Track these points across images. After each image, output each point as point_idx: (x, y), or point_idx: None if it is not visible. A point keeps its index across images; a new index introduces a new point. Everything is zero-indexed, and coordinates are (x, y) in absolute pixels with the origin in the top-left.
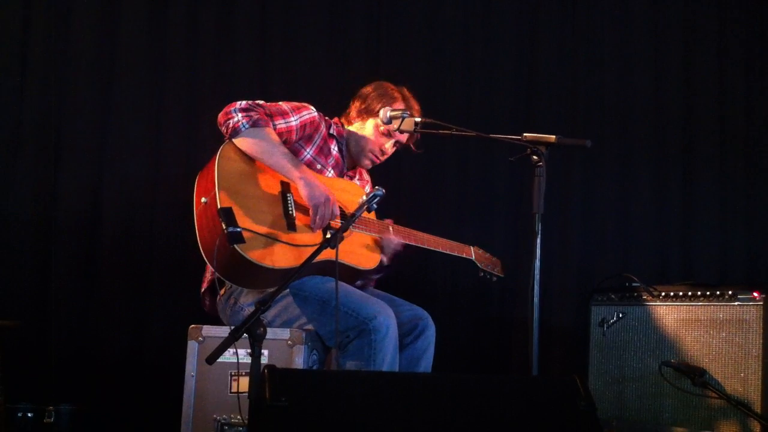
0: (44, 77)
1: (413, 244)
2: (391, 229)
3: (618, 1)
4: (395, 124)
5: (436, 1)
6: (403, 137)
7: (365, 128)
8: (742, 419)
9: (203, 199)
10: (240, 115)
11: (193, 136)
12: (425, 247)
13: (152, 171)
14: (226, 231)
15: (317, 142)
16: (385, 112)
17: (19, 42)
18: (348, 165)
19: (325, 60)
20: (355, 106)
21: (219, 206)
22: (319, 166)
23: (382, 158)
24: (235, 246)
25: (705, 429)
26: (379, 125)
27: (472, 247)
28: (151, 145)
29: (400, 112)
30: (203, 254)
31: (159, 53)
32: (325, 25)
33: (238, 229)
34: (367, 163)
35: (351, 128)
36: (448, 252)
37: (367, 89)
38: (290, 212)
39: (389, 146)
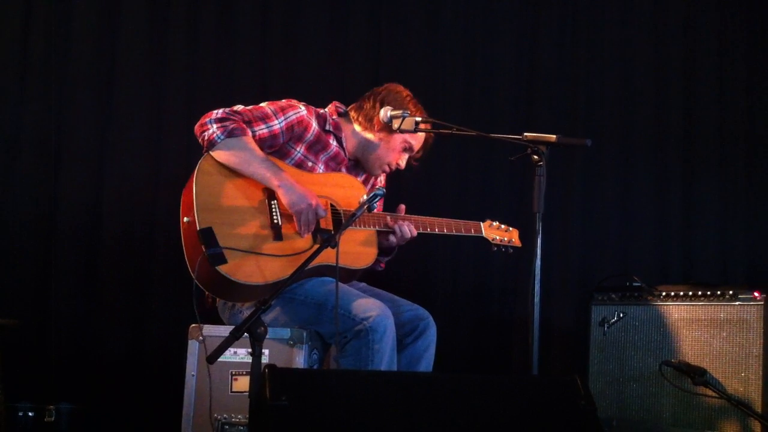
0: (44, 78)
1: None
2: (388, 218)
3: (618, 1)
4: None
5: (436, 0)
6: (416, 149)
7: (389, 141)
8: (743, 419)
9: (185, 219)
10: (215, 126)
11: (193, 136)
12: (430, 231)
13: (152, 171)
14: (206, 253)
15: (308, 140)
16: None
17: (19, 42)
18: (352, 162)
19: (325, 60)
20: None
21: (198, 227)
22: (310, 164)
23: (393, 169)
24: (217, 267)
25: (705, 429)
26: (406, 140)
27: (482, 223)
28: (152, 146)
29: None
30: (191, 273)
31: (159, 53)
32: (325, 25)
33: (219, 250)
34: (380, 173)
35: (367, 133)
36: (455, 233)
37: (382, 92)
38: (275, 221)
39: (403, 162)
